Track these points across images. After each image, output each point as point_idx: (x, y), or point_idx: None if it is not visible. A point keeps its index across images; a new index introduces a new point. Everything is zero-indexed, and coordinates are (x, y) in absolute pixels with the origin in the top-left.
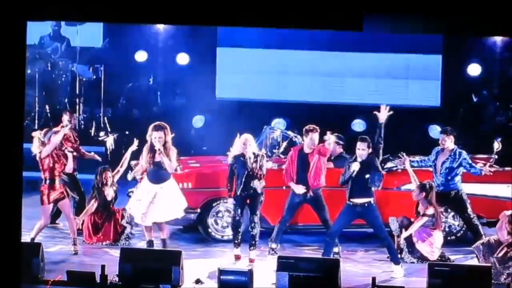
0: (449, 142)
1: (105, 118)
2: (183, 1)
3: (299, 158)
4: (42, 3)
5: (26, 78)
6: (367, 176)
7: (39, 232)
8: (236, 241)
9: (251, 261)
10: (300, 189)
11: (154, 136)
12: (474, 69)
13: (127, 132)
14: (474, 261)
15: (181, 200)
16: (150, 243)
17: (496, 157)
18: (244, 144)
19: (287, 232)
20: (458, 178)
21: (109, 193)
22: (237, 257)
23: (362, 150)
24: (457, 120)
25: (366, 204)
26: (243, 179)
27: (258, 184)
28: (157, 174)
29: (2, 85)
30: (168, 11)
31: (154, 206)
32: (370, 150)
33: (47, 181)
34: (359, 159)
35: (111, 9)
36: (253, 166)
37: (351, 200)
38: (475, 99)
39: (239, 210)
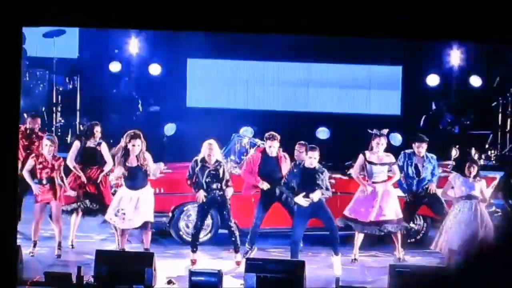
0: (425, 149)
1: (81, 126)
2: (178, 7)
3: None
4: (36, 9)
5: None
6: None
7: (38, 231)
8: (194, 246)
9: (238, 263)
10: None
11: (132, 144)
12: (432, 80)
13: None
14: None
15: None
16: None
17: (454, 163)
18: (209, 150)
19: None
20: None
21: None
22: (193, 262)
23: (314, 158)
24: (416, 128)
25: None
26: (204, 184)
27: (224, 187)
28: (136, 181)
29: None
30: (169, 17)
31: (138, 210)
32: (319, 158)
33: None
34: (309, 166)
35: (107, 15)
36: (212, 172)
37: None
38: (433, 108)
39: (201, 216)
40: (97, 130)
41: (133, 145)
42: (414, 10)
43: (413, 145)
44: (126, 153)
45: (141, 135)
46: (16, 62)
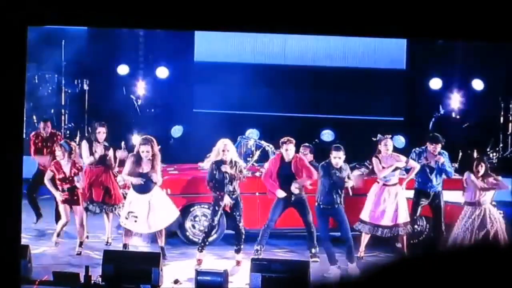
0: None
1: (89, 128)
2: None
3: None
4: (42, 8)
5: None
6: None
7: (62, 229)
8: (202, 245)
9: (238, 263)
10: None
11: (142, 150)
12: (435, 83)
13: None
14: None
15: (171, 204)
16: (125, 246)
17: (456, 166)
18: (223, 150)
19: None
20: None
21: None
22: (199, 261)
23: (339, 158)
24: (419, 131)
25: (335, 206)
26: (223, 185)
27: (237, 188)
28: (144, 185)
29: (2, 90)
30: (171, 16)
31: (152, 214)
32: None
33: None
34: (337, 167)
35: (113, 14)
36: (231, 171)
37: (320, 203)
38: (441, 111)
39: (216, 215)
40: (103, 131)
41: (143, 151)
42: (414, 10)
43: (428, 144)
44: (138, 158)
45: (152, 141)
46: (20, 61)
